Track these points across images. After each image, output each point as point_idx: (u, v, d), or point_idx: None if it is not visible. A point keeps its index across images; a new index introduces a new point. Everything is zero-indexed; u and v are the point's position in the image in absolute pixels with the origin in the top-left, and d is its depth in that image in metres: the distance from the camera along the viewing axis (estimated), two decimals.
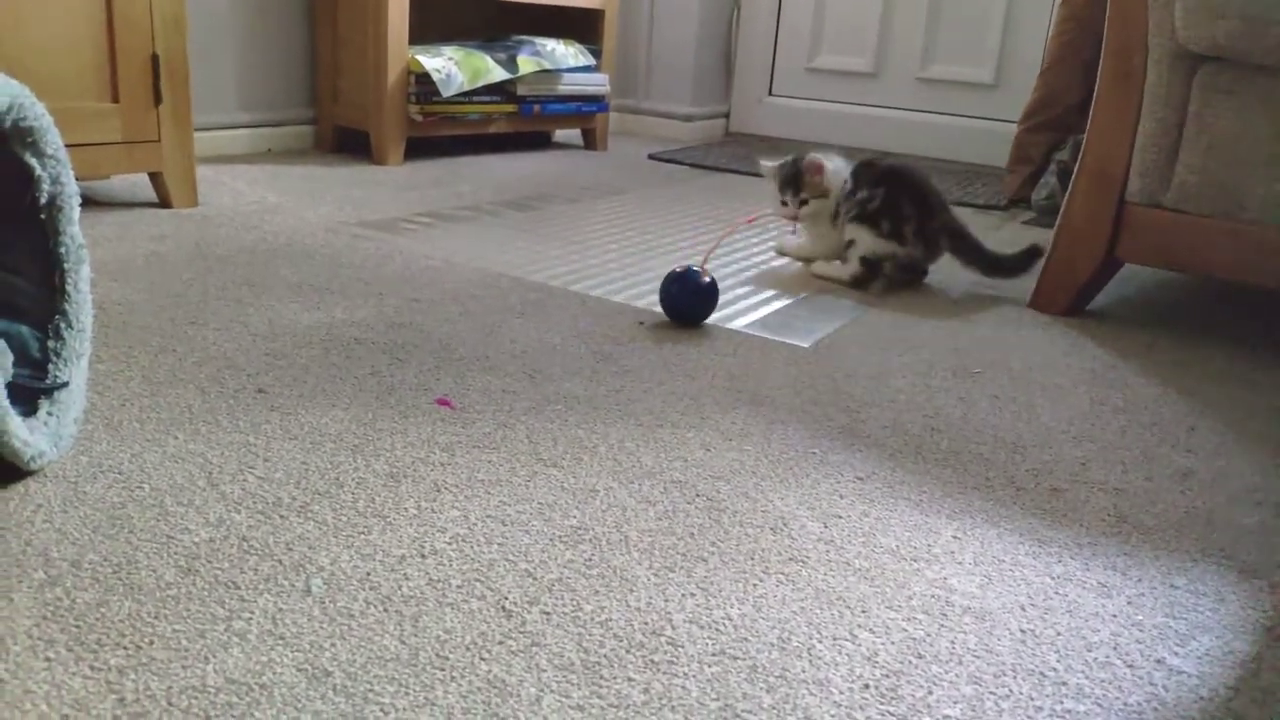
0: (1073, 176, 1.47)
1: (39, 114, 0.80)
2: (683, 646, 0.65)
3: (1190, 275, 1.82)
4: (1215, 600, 0.75)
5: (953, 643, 0.67)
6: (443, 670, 0.60)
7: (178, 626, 0.62)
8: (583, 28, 2.84)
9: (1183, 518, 0.89)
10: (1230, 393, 1.23)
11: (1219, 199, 1.34)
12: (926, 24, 3.01)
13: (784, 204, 1.63)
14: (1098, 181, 1.44)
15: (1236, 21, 1.25)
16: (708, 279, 1.30)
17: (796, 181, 1.61)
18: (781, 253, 1.77)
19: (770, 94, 3.33)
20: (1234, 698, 0.64)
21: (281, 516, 0.76)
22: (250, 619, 0.63)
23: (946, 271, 1.74)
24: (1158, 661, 0.67)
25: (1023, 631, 0.69)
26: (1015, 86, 2.86)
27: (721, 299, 1.41)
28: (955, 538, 0.82)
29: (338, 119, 2.43)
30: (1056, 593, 0.75)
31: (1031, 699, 0.62)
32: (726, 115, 3.43)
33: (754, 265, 1.68)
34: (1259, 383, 1.27)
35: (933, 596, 0.73)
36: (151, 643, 0.60)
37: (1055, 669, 0.65)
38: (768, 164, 1.67)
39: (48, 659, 0.58)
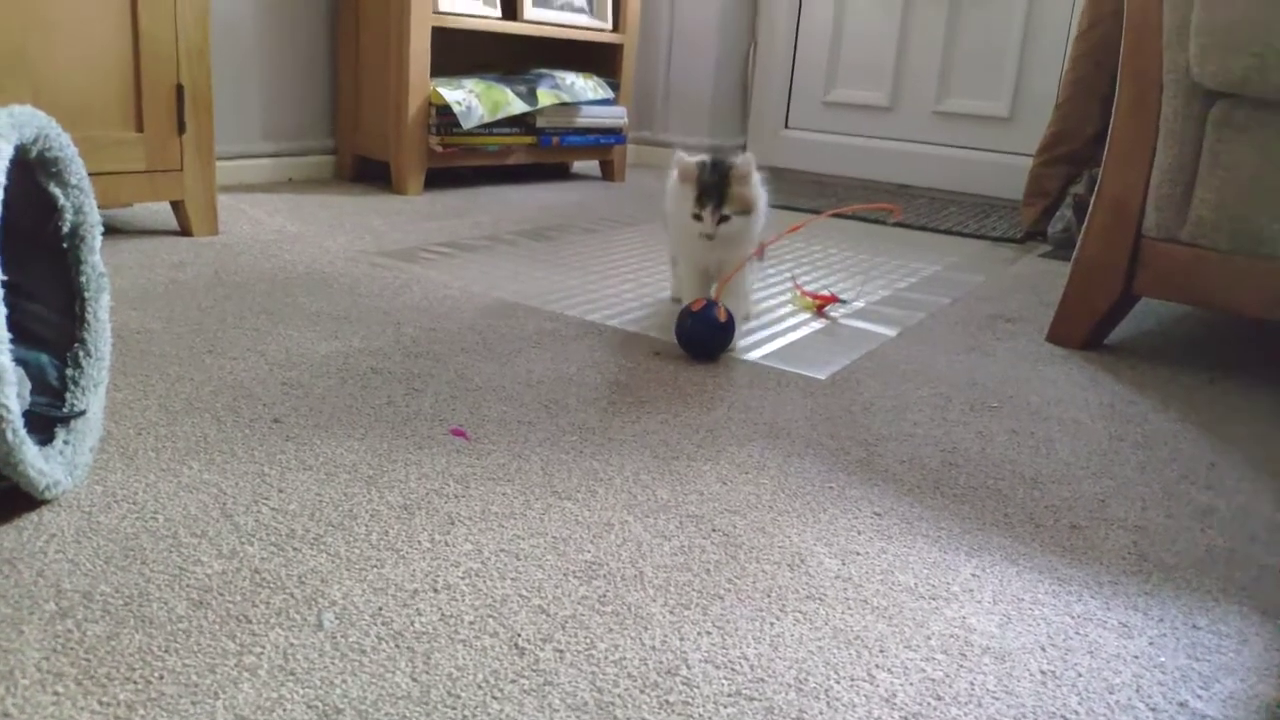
0: (1089, 210, 1.46)
1: (64, 144, 0.81)
2: (698, 687, 0.64)
3: (1208, 310, 1.80)
4: (1239, 641, 0.74)
5: (972, 684, 0.66)
6: (454, 709, 0.60)
7: (188, 661, 0.62)
8: (601, 61, 2.87)
9: (1204, 556, 0.87)
10: (1251, 428, 1.21)
11: (1235, 234, 1.34)
12: (942, 58, 3.02)
13: (697, 218, 1.30)
14: (1114, 215, 1.43)
15: (1251, 58, 1.25)
16: (724, 314, 1.29)
17: (721, 191, 1.28)
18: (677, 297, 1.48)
19: (787, 127, 3.34)
20: None
21: (295, 549, 0.76)
22: (261, 654, 0.63)
23: (965, 304, 1.73)
24: (1180, 704, 0.66)
25: (1043, 672, 0.68)
26: (1031, 120, 2.86)
27: (736, 329, 1.40)
28: (974, 575, 0.81)
29: (358, 149, 2.46)
30: (1077, 632, 0.73)
31: None
32: (744, 147, 3.45)
33: (768, 295, 1.68)
34: (1278, 418, 1.25)
35: (951, 636, 0.72)
36: (161, 677, 0.60)
37: (1076, 711, 0.64)
38: (685, 158, 1.32)
39: (56, 693, 0.58)
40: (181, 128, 1.65)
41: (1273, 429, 1.22)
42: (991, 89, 2.96)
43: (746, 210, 1.30)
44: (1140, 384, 1.36)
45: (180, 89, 1.64)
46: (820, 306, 1.60)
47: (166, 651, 0.62)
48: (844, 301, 1.65)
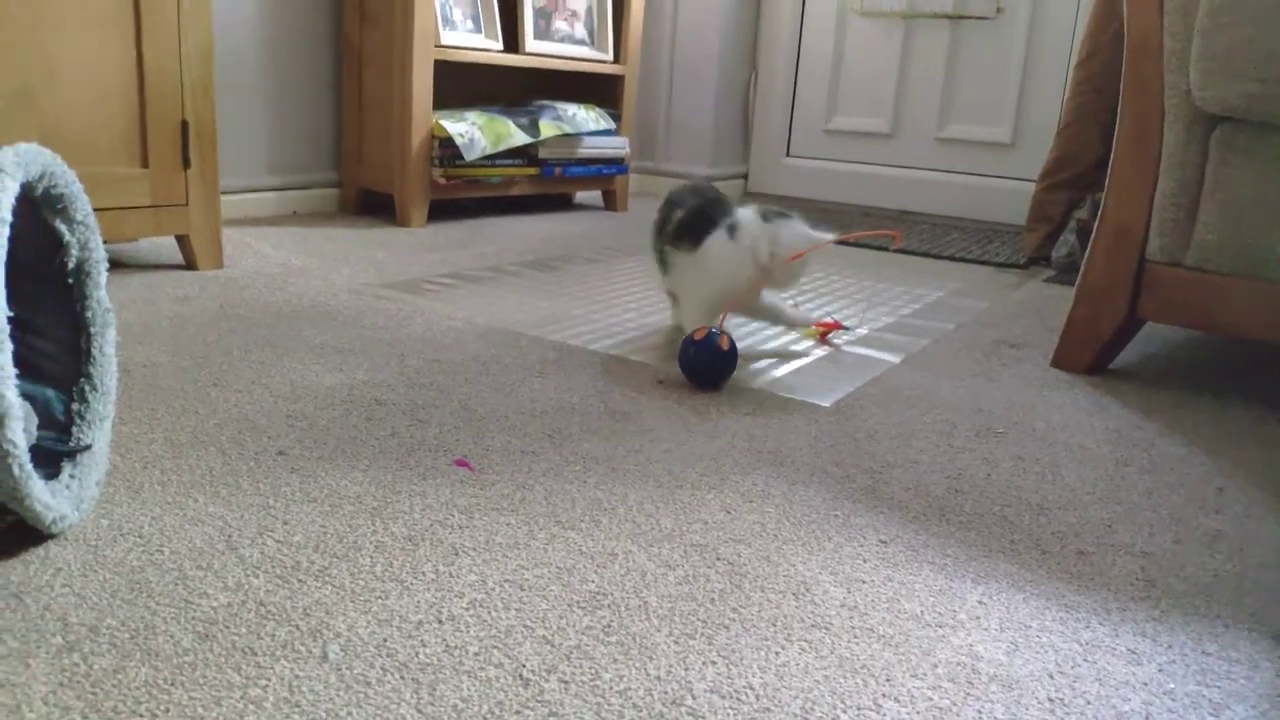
0: (1092, 235, 1.47)
1: (69, 181, 0.82)
2: (704, 717, 0.63)
3: (1214, 334, 1.80)
4: (1249, 668, 0.73)
5: (979, 713, 0.66)
6: None
7: (194, 694, 0.62)
8: (603, 92, 2.90)
9: (1213, 581, 0.87)
10: (1258, 453, 1.21)
11: (1239, 258, 1.34)
12: (944, 84, 3.04)
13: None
14: (1118, 240, 1.43)
15: (1253, 83, 1.25)
16: (727, 342, 1.30)
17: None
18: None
19: (788, 155, 3.37)
20: None
21: (300, 581, 0.76)
22: (267, 686, 0.63)
23: (969, 330, 1.74)
24: None
25: (1051, 700, 0.68)
26: (1033, 146, 2.88)
27: (739, 357, 1.41)
28: (980, 603, 0.80)
29: (362, 182, 2.48)
30: (1085, 659, 0.73)
31: None
32: (745, 176, 3.47)
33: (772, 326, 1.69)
34: None
35: (958, 664, 0.71)
36: (168, 710, 0.60)
37: None
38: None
39: None
40: (186, 163, 1.67)
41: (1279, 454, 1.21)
42: (993, 115, 2.98)
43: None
44: (1146, 409, 1.35)
45: (185, 124, 1.66)
46: (824, 334, 1.60)
47: (172, 684, 0.62)
48: (847, 329, 1.65)
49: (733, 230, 1.40)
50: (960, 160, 3.05)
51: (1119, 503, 1.02)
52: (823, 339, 1.59)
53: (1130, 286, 1.43)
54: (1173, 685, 0.70)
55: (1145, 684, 0.70)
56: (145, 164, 1.63)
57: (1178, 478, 1.11)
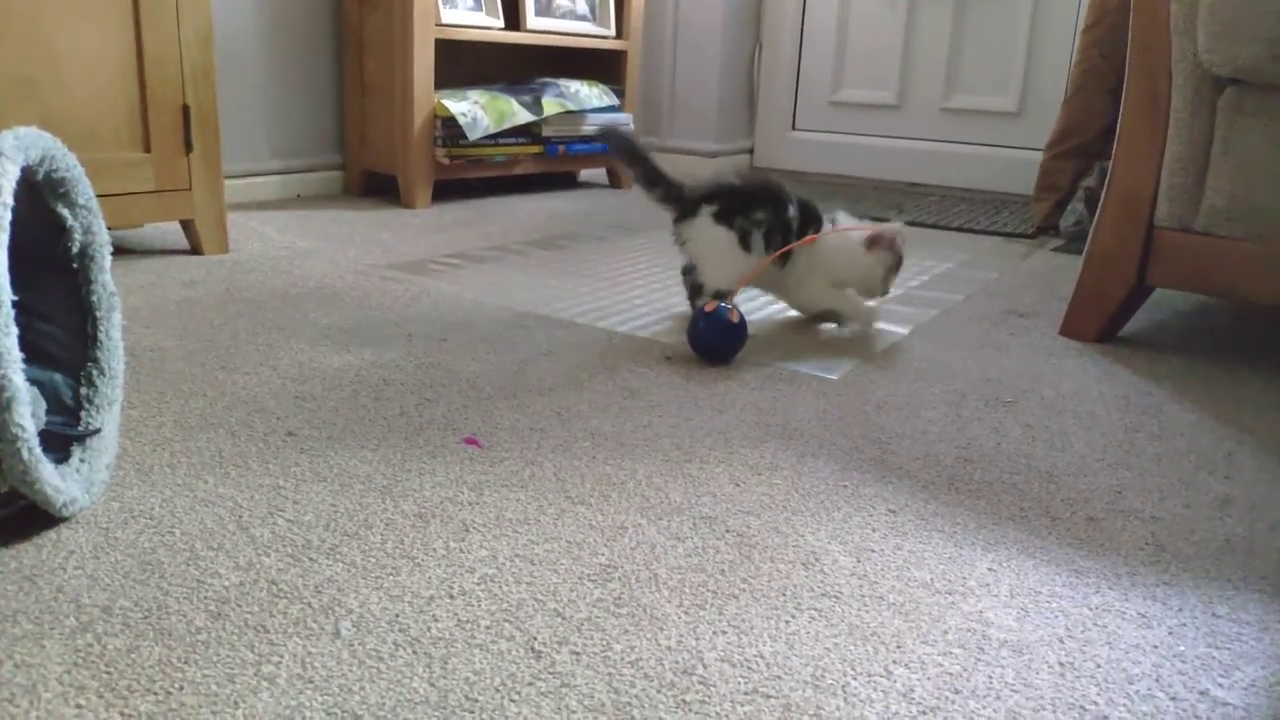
0: (1100, 202, 1.45)
1: (70, 165, 0.82)
2: (715, 686, 0.64)
3: (1222, 299, 1.79)
4: (1259, 629, 0.73)
5: (990, 677, 0.66)
6: (472, 713, 0.60)
7: (207, 672, 0.62)
8: (606, 68, 2.88)
9: (1222, 545, 0.86)
10: (1268, 417, 1.20)
11: (1248, 222, 1.33)
12: (948, 54, 3.01)
13: (885, 279, 1.48)
14: (1126, 207, 1.42)
15: (1260, 45, 1.24)
16: (736, 316, 1.29)
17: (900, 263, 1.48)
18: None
19: (794, 128, 3.34)
20: None
21: (311, 559, 0.76)
22: (279, 663, 0.63)
23: (978, 300, 1.73)
24: (1201, 693, 0.65)
25: (1061, 665, 0.68)
26: (1039, 114, 2.85)
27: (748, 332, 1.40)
28: (990, 570, 0.80)
29: (366, 164, 2.47)
30: (1095, 624, 0.73)
31: None
32: (750, 151, 3.45)
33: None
34: None
35: (969, 630, 0.71)
36: (181, 688, 0.60)
37: (1096, 703, 0.64)
38: (897, 230, 1.45)
39: (78, 705, 0.58)
40: (189, 147, 1.67)
41: None
42: (999, 84, 2.95)
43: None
44: (1155, 375, 1.35)
45: (186, 109, 1.65)
46: None
47: (186, 663, 0.63)
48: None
49: (833, 222, 1.47)
50: (967, 131, 3.02)
51: (1128, 469, 1.02)
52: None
53: (1139, 253, 1.42)
54: (1183, 648, 0.70)
55: (1155, 647, 0.70)
56: (147, 149, 1.63)
57: (1187, 443, 1.10)
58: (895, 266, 1.46)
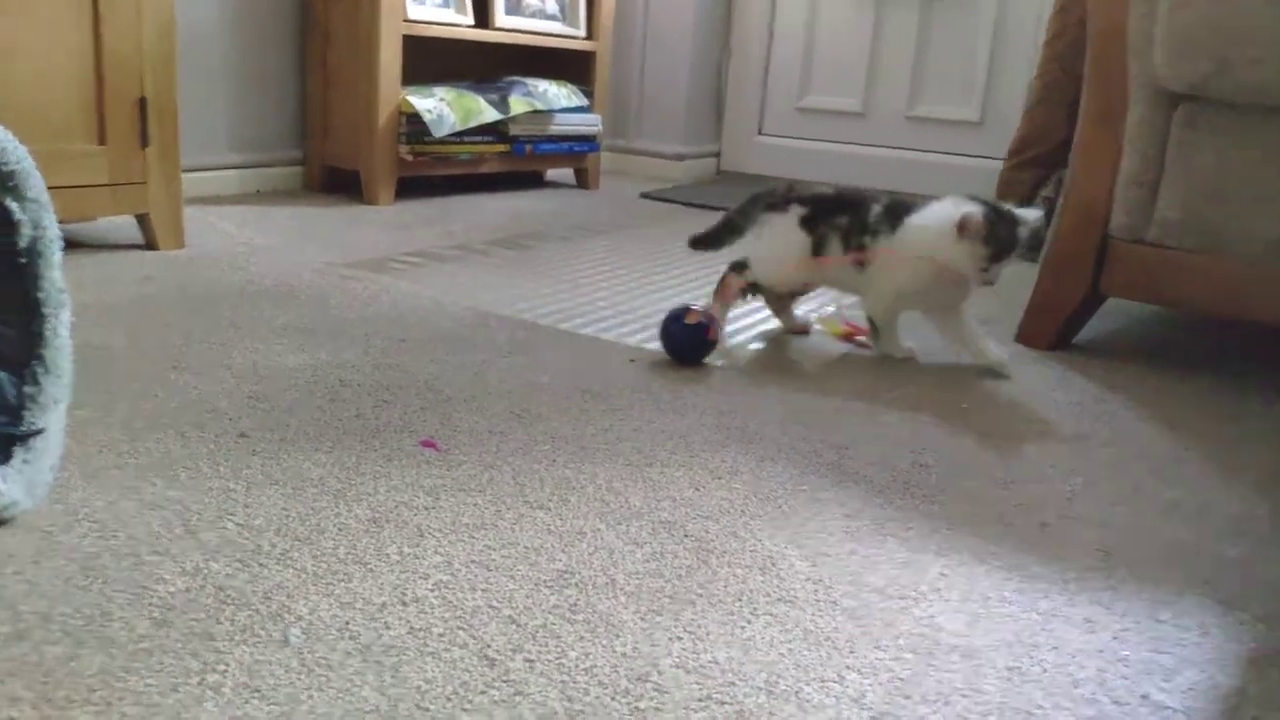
0: (1057, 213, 1.48)
1: (20, 157, 0.80)
2: (669, 692, 0.63)
3: (1174, 309, 1.82)
4: (1200, 634, 0.75)
5: (940, 682, 0.66)
6: None
7: (150, 681, 0.61)
8: (575, 69, 2.87)
9: (1167, 551, 0.88)
10: (1215, 425, 1.22)
11: (1200, 234, 1.35)
12: (914, 64, 3.04)
13: (984, 269, 1.31)
14: (1082, 217, 1.44)
15: (1213, 62, 1.26)
16: (707, 319, 1.30)
17: (1014, 245, 1.31)
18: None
19: (761, 133, 3.36)
20: None
21: (260, 564, 0.75)
22: (225, 672, 0.62)
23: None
24: (1143, 697, 0.66)
25: (1009, 669, 0.68)
26: (1001, 125, 2.89)
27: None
28: (942, 574, 0.81)
29: (328, 159, 2.44)
30: (1043, 629, 0.74)
31: None
32: (718, 154, 3.46)
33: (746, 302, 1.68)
34: (1243, 415, 1.27)
35: (920, 635, 0.72)
36: (122, 698, 0.59)
37: (1042, 707, 0.64)
38: (975, 211, 1.29)
39: (12, 718, 0.57)
40: (145, 140, 1.64)
41: (1237, 425, 1.23)
42: (962, 94, 2.98)
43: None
44: (1108, 383, 1.37)
45: (144, 101, 1.62)
46: (850, 335, 1.52)
47: (127, 672, 0.61)
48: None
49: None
50: (930, 139, 3.05)
51: (1080, 475, 1.04)
52: (846, 338, 1.51)
53: (1094, 262, 1.44)
54: (1127, 652, 0.72)
55: (1100, 651, 0.71)
56: (103, 141, 1.59)
57: (1137, 450, 1.12)
58: (993, 256, 1.29)
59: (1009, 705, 0.65)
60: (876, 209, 1.38)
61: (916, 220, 1.35)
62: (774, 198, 1.45)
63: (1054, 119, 2.21)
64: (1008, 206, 1.33)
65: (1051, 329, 1.50)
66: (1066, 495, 0.99)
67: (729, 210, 1.48)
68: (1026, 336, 1.53)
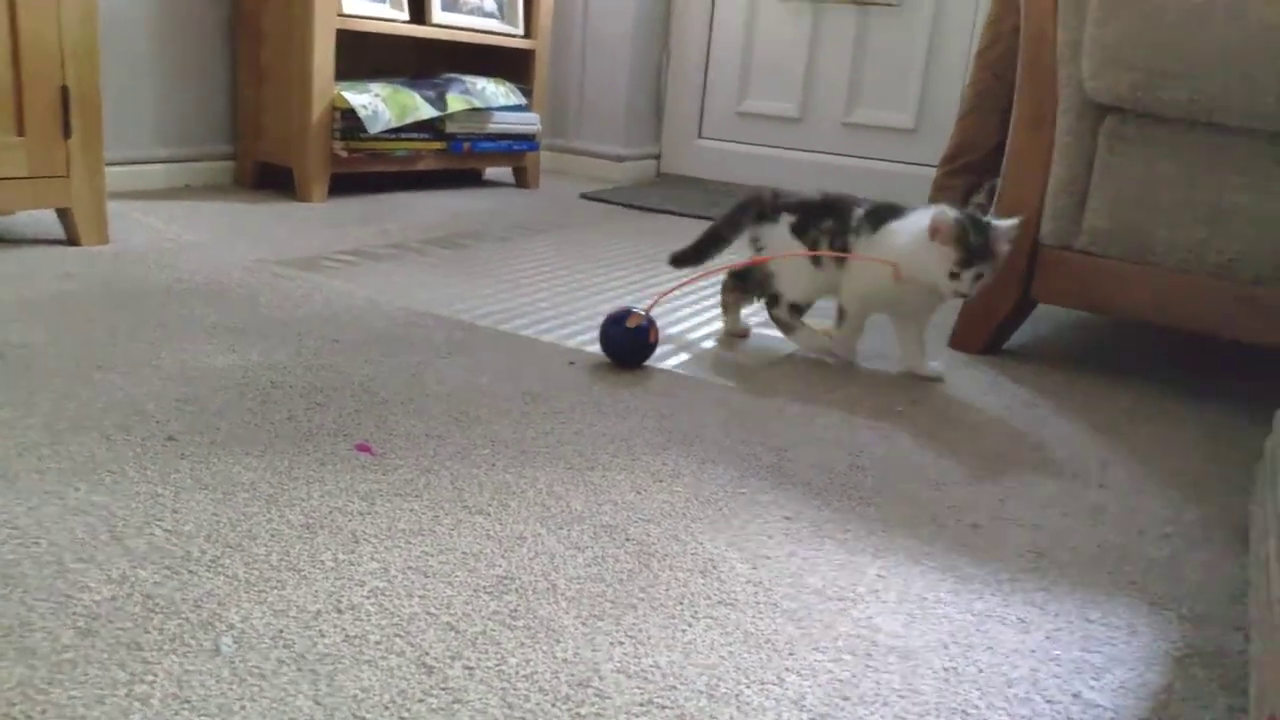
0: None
1: None
2: (610, 698, 0.63)
3: (1102, 315, 1.88)
4: (1128, 633, 0.77)
5: (878, 683, 0.67)
6: None
7: (74, 693, 0.59)
8: (513, 67, 2.85)
9: (1097, 552, 0.91)
10: (1142, 429, 1.26)
11: (1127, 243, 1.40)
12: (850, 71, 3.09)
13: (954, 276, 1.27)
14: None
15: (1139, 74, 1.31)
16: (647, 322, 1.30)
17: (987, 252, 1.27)
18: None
19: (700, 136, 3.37)
20: None
21: (190, 571, 0.73)
22: (154, 682, 0.60)
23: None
24: (1074, 695, 0.68)
25: (945, 670, 0.70)
26: (935, 132, 2.95)
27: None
28: (880, 576, 0.82)
29: (259, 154, 2.39)
30: (978, 629, 0.75)
31: None
32: (658, 156, 3.47)
33: (686, 305, 1.69)
34: (1168, 419, 1.31)
35: (858, 636, 0.73)
36: (44, 711, 0.57)
37: (977, 706, 0.66)
38: (947, 214, 1.28)
39: None
40: (67, 131, 1.58)
41: (1162, 429, 1.28)
42: (898, 101, 3.03)
43: (995, 269, 1.30)
44: (1039, 387, 1.41)
45: (65, 90, 1.56)
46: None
47: (50, 684, 0.59)
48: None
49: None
50: (866, 145, 3.10)
51: (1011, 478, 1.06)
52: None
53: (1024, 269, 1.48)
54: (1058, 652, 0.73)
55: (1033, 651, 0.73)
56: (21, 131, 1.53)
57: (1067, 453, 1.15)
58: (962, 260, 1.26)
59: (945, 705, 0.66)
60: (859, 212, 1.38)
61: (895, 225, 1.35)
62: (762, 207, 1.44)
63: (986, 126, 2.26)
64: (987, 218, 1.31)
65: (983, 334, 1.54)
66: (999, 497, 1.01)
67: (713, 222, 1.47)
68: (959, 341, 1.56)
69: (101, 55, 1.64)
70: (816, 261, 1.40)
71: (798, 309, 1.45)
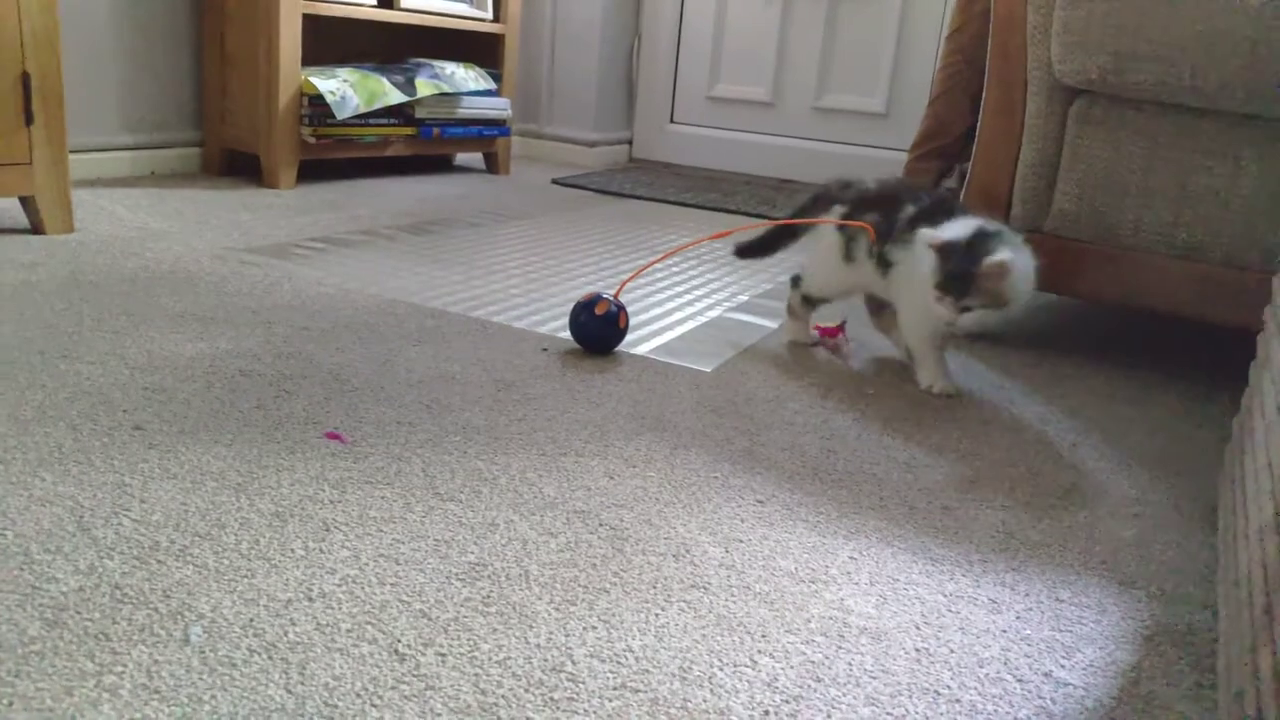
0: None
1: None
2: (583, 682, 0.63)
3: (1070, 298, 1.90)
4: (1098, 612, 0.78)
5: (850, 665, 0.68)
6: (331, 719, 0.58)
7: (42, 685, 0.58)
8: (482, 52, 2.83)
9: (1066, 532, 0.92)
10: (1110, 410, 1.28)
11: (1095, 225, 1.41)
12: (821, 55, 3.09)
13: (939, 300, 1.16)
14: (982, 208, 1.49)
15: (1107, 57, 1.32)
16: (616, 307, 1.30)
17: (967, 284, 1.13)
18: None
19: (672, 121, 3.37)
20: (1117, 707, 0.66)
21: (159, 561, 0.72)
22: (123, 673, 0.60)
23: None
24: (1045, 675, 0.69)
25: (917, 650, 0.70)
26: (905, 116, 2.96)
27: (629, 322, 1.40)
28: (852, 558, 0.83)
29: (226, 141, 2.35)
30: (949, 610, 0.76)
31: (927, 718, 0.63)
32: (630, 142, 3.46)
33: (658, 290, 1.69)
34: (1136, 400, 1.33)
35: (830, 618, 0.73)
36: (11, 704, 0.56)
37: (949, 686, 0.66)
38: (932, 235, 1.16)
39: None
40: (29, 118, 1.55)
41: (1130, 410, 1.29)
42: (868, 86, 3.04)
43: (998, 305, 1.15)
44: (1008, 370, 1.42)
45: (26, 76, 1.53)
46: (825, 335, 1.47)
47: (17, 676, 0.58)
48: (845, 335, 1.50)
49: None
50: (837, 130, 3.11)
51: (981, 459, 1.07)
52: (819, 344, 1.46)
53: None
54: (1029, 631, 0.74)
55: (1004, 631, 0.74)
56: None
57: (1036, 435, 1.16)
58: (938, 284, 1.16)
59: (917, 685, 0.66)
60: (909, 210, 1.23)
61: (924, 231, 1.18)
62: (829, 197, 1.34)
63: (956, 111, 2.27)
64: (1001, 249, 1.13)
65: None
66: (969, 479, 1.02)
67: (790, 213, 1.38)
68: None
69: (64, 40, 1.61)
70: (849, 258, 1.31)
71: (810, 301, 1.40)
